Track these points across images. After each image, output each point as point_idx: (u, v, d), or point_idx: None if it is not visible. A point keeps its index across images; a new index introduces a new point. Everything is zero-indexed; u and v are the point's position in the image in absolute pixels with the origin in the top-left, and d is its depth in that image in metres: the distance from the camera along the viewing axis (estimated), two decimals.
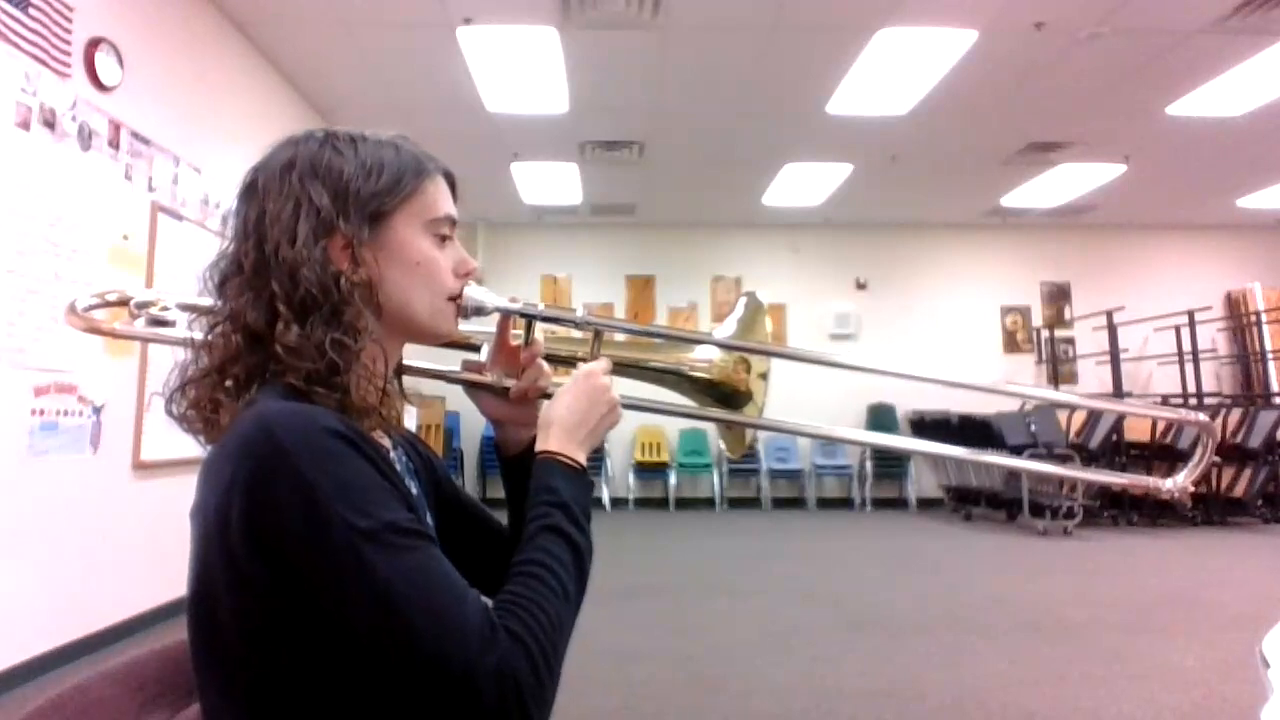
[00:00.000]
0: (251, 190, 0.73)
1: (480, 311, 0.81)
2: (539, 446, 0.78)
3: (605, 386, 0.81)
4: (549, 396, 0.86)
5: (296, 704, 0.62)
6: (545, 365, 0.86)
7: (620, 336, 0.98)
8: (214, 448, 0.65)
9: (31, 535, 2.81)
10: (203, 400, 0.69)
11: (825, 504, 7.99)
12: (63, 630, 2.96)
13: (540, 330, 0.86)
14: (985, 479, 7.50)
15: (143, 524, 3.40)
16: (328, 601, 0.59)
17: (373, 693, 0.62)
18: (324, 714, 0.62)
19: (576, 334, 0.92)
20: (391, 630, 0.58)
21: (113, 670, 0.75)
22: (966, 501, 7.47)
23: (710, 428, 8.03)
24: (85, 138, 3.08)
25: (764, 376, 0.97)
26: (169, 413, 0.72)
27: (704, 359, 0.95)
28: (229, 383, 0.69)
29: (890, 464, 8.02)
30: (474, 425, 7.62)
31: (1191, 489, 0.88)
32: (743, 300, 1.01)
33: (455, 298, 0.78)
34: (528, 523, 0.72)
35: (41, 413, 2.84)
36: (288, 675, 0.61)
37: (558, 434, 0.77)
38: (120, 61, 3.26)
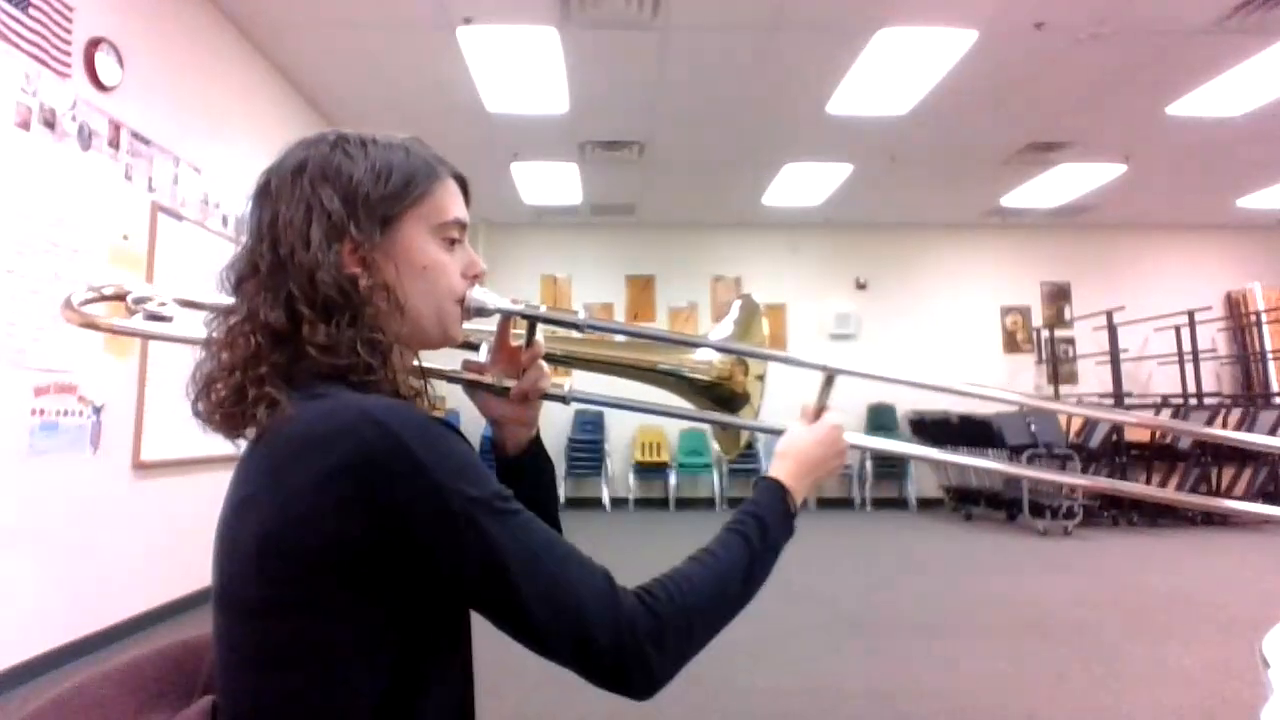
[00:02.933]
0: (265, 192, 0.74)
1: (482, 312, 0.81)
2: (774, 471, 0.85)
3: (845, 447, 0.89)
4: (550, 397, 0.87)
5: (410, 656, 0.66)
6: (546, 366, 0.87)
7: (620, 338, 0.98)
8: (283, 438, 0.65)
9: (31, 535, 2.81)
10: (227, 398, 0.69)
11: (825, 504, 7.99)
12: (63, 630, 2.96)
13: (541, 331, 0.86)
14: (985, 479, 7.49)
15: (143, 524, 3.40)
16: (448, 568, 0.64)
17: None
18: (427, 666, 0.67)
19: (576, 334, 0.93)
20: (512, 589, 0.64)
21: (113, 670, 0.75)
22: (966, 501, 7.47)
23: (710, 427, 8.02)
24: (85, 138, 3.08)
25: (761, 378, 0.97)
26: (195, 412, 0.72)
27: (703, 361, 0.95)
28: (256, 380, 0.68)
29: (890, 464, 8.02)
30: (474, 425, 7.57)
31: None
32: (738, 303, 1.01)
33: (461, 300, 0.79)
34: (722, 528, 0.79)
35: (41, 413, 2.84)
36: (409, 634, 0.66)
37: (795, 471, 0.85)
38: (120, 61, 3.26)
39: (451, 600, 0.67)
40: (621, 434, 8.10)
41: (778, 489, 0.83)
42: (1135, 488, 1.07)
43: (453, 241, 0.78)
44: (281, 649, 0.63)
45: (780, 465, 0.85)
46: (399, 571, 0.63)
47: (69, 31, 2.98)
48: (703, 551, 0.75)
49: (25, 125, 2.78)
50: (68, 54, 2.98)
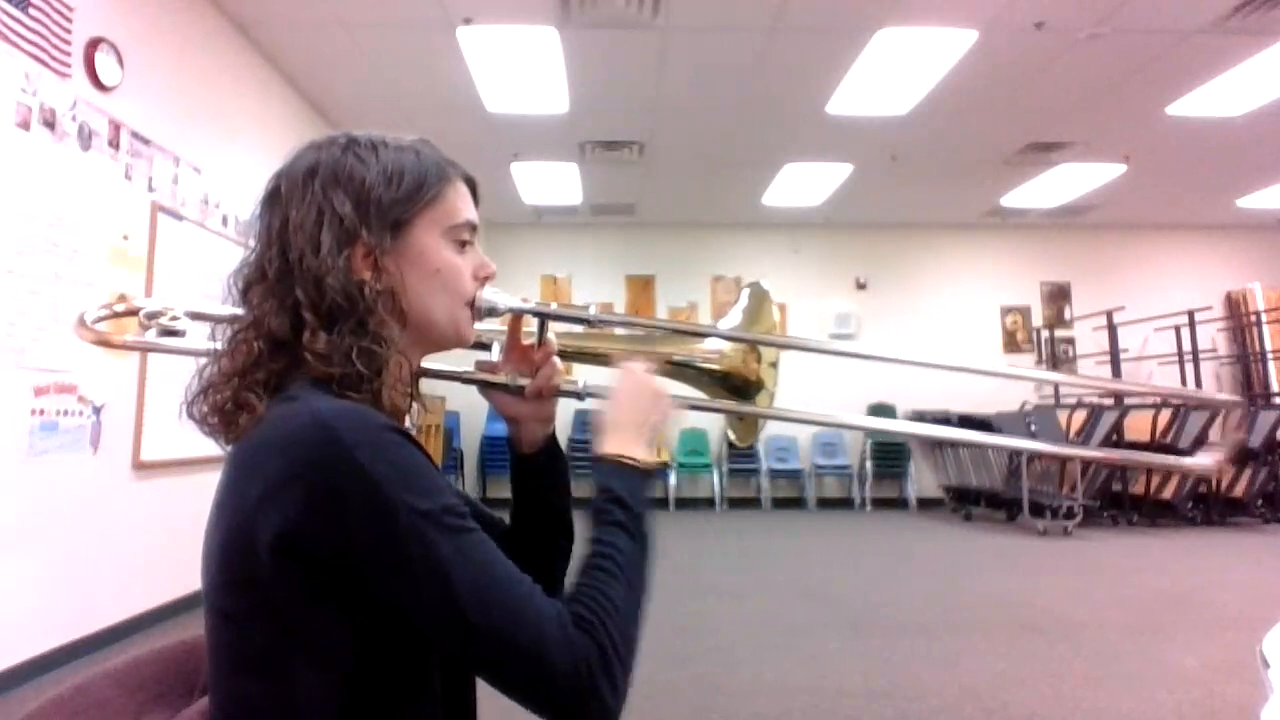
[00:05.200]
0: (275, 197, 0.73)
1: (493, 312, 0.81)
2: (598, 447, 0.79)
3: (647, 380, 0.82)
4: (565, 393, 0.87)
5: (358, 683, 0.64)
6: (559, 363, 0.87)
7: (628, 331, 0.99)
8: (249, 443, 0.66)
9: (31, 535, 2.81)
10: (224, 403, 0.69)
11: (825, 504, 7.99)
12: (63, 630, 2.96)
13: (551, 328, 0.87)
14: (985, 479, 7.49)
15: (143, 524, 3.40)
16: (392, 585, 0.61)
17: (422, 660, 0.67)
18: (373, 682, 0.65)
19: (587, 330, 0.93)
20: (458, 611, 0.60)
21: (113, 670, 0.75)
22: (966, 501, 7.47)
23: (710, 427, 8.04)
24: (85, 138, 3.08)
25: (774, 365, 0.98)
26: (190, 416, 0.71)
27: (714, 350, 0.96)
28: (249, 386, 0.69)
29: (890, 464, 8.02)
30: (474, 425, 7.62)
31: (1226, 464, 0.90)
32: (746, 290, 1.01)
33: (473, 302, 0.79)
34: (592, 526, 0.74)
35: (41, 413, 2.84)
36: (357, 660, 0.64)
37: (611, 436, 0.78)
38: (120, 61, 3.26)
39: (397, 621, 0.63)
40: None
41: (610, 464, 0.76)
42: (1141, 456, 1.07)
43: (464, 243, 0.78)
44: (253, 652, 0.63)
45: (601, 440, 0.78)
46: (350, 581, 0.61)
47: (69, 31, 2.98)
48: (596, 557, 0.69)
49: (25, 125, 2.78)
50: (68, 54, 2.98)
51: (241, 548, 0.62)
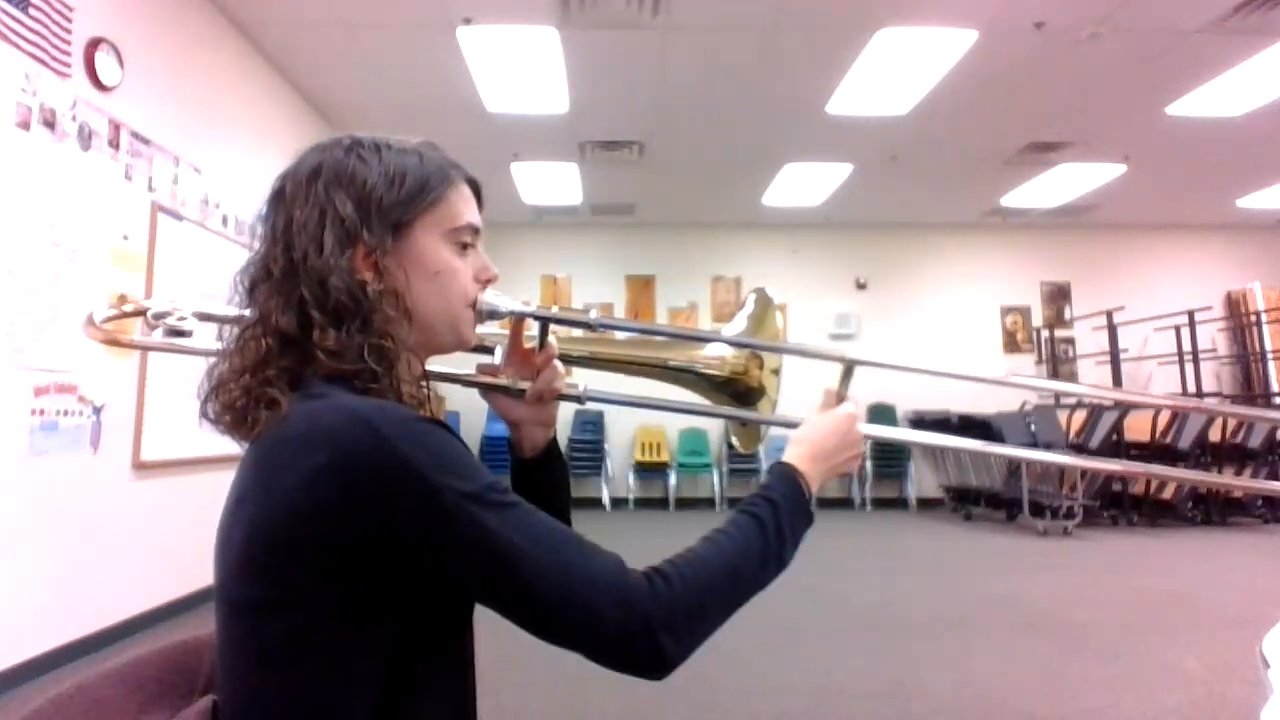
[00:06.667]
0: (279, 197, 0.74)
1: (494, 315, 0.82)
2: (787, 456, 0.82)
3: (860, 435, 0.87)
4: (566, 397, 0.87)
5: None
6: (560, 366, 0.88)
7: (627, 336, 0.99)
8: (275, 437, 0.66)
9: (31, 535, 2.81)
10: (236, 400, 0.70)
11: (825, 504, 7.99)
12: (63, 630, 2.96)
13: (553, 332, 0.87)
14: (985, 479, 7.49)
15: (143, 524, 3.40)
16: (445, 565, 0.63)
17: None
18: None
19: (588, 334, 0.93)
20: (514, 579, 0.63)
21: (113, 670, 0.75)
22: (966, 501, 7.47)
23: (710, 427, 8.04)
24: (85, 138, 3.08)
25: (776, 372, 0.98)
26: (204, 415, 0.72)
27: (715, 356, 0.96)
28: (265, 382, 0.69)
29: (890, 464, 8.02)
30: (473, 425, 7.62)
31: None
32: (752, 296, 1.02)
33: (474, 304, 0.79)
34: (739, 507, 0.77)
35: (41, 413, 2.84)
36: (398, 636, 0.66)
37: (808, 456, 0.82)
38: (120, 61, 3.26)
39: (457, 595, 0.67)
40: (621, 434, 8.10)
41: (789, 472, 0.81)
42: (1135, 467, 1.07)
43: (465, 246, 0.79)
44: (274, 646, 0.64)
45: (793, 450, 0.83)
46: (391, 571, 0.63)
47: (69, 31, 2.98)
48: (715, 532, 0.74)
49: (25, 125, 2.78)
50: (68, 54, 2.98)
51: (268, 541, 0.63)
